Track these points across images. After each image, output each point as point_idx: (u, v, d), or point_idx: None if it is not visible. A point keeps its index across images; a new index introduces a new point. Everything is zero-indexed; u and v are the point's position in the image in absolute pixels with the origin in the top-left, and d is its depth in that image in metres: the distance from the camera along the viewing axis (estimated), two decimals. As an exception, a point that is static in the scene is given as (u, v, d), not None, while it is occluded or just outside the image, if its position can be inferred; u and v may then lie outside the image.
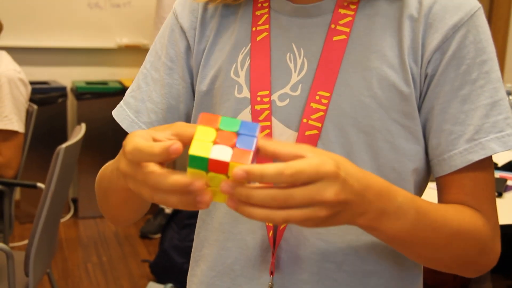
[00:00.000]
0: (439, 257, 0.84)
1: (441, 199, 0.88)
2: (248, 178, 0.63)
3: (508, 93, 2.79)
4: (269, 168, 0.63)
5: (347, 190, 0.68)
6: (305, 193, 0.65)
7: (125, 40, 4.23)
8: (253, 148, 0.65)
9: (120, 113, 0.98)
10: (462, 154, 0.84)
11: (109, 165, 0.92)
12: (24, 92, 2.68)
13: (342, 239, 0.87)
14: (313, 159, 0.65)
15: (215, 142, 0.65)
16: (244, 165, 0.63)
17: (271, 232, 0.87)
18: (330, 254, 0.87)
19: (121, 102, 0.99)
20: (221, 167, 0.64)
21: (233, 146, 0.65)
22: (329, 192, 0.66)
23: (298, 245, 0.87)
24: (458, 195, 0.85)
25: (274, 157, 0.67)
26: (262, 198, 0.64)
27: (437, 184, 0.89)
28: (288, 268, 0.87)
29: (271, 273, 0.88)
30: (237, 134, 0.66)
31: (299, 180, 0.64)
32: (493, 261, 0.87)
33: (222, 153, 0.64)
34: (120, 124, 0.97)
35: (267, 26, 0.91)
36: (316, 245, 0.87)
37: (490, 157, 0.85)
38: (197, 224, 0.98)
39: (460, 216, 0.83)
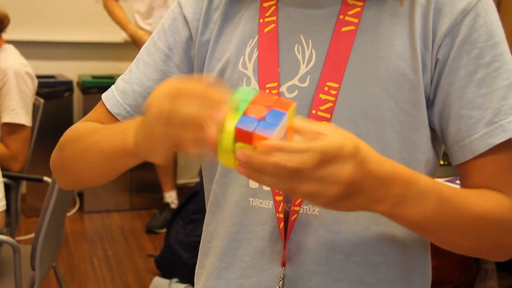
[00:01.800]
0: (466, 242, 0.83)
1: (464, 185, 0.88)
2: (250, 162, 0.65)
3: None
4: (290, 145, 0.65)
5: (364, 171, 0.68)
6: (321, 164, 0.66)
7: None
8: (279, 124, 0.66)
9: (107, 94, 0.98)
10: (482, 138, 0.83)
11: (92, 125, 0.92)
12: (31, 86, 2.68)
13: (351, 230, 0.87)
14: (334, 138, 0.66)
15: (245, 113, 0.67)
16: (267, 140, 0.65)
17: (282, 224, 0.87)
18: (339, 245, 0.87)
19: (113, 85, 0.99)
20: (246, 136, 0.66)
21: (262, 119, 0.67)
22: (345, 169, 0.66)
23: (307, 236, 0.87)
24: (481, 179, 0.85)
25: (297, 133, 0.68)
26: (275, 167, 0.65)
27: (458, 172, 0.88)
28: (297, 260, 0.87)
29: (283, 264, 0.88)
30: (270, 108, 0.68)
31: (325, 156, 0.65)
32: None
33: (248, 123, 0.66)
34: (106, 104, 0.97)
35: (274, 18, 0.91)
36: (324, 236, 0.87)
37: (510, 139, 0.85)
38: (206, 216, 0.97)
39: (484, 199, 0.83)
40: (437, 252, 3.11)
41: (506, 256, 0.87)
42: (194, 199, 3.21)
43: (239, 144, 0.66)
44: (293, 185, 0.66)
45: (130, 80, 0.97)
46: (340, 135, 0.67)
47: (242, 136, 0.66)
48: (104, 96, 0.98)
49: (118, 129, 0.83)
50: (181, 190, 4.22)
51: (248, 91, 0.69)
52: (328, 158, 0.66)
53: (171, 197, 4.00)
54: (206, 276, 0.96)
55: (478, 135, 0.83)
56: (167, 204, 3.97)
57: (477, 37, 0.84)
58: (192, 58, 0.96)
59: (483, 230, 0.82)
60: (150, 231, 3.86)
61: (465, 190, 0.84)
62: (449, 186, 0.81)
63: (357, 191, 0.69)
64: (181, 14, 0.96)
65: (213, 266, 0.94)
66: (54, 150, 0.96)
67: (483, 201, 0.82)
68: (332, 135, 0.67)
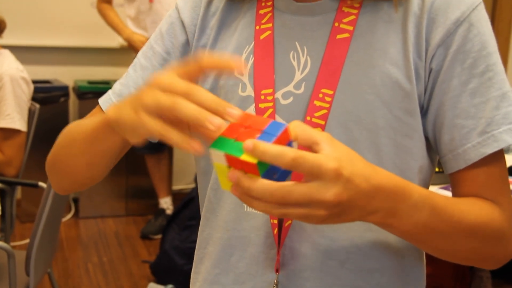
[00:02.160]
0: (458, 250, 0.84)
1: (455, 194, 0.88)
2: (254, 151, 0.64)
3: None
4: (273, 146, 0.64)
5: (351, 190, 0.67)
6: (305, 191, 0.65)
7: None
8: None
9: (104, 97, 0.98)
10: (475, 148, 0.84)
11: (84, 122, 0.92)
12: (27, 91, 2.67)
13: (345, 236, 0.87)
14: (318, 155, 0.66)
15: (237, 139, 0.66)
16: (253, 140, 0.64)
17: (276, 230, 0.87)
18: (333, 252, 0.87)
19: (110, 90, 0.99)
20: (236, 162, 0.65)
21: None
22: (330, 192, 0.66)
23: (301, 243, 0.87)
24: (473, 188, 0.86)
25: (293, 138, 0.68)
26: (261, 192, 0.65)
27: (450, 180, 0.89)
28: (291, 266, 0.88)
29: (277, 270, 0.88)
30: (262, 132, 0.67)
31: (299, 166, 0.64)
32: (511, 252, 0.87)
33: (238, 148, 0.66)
34: (102, 107, 0.97)
35: (270, 25, 0.91)
36: (319, 243, 0.87)
37: (502, 150, 0.86)
38: (201, 222, 0.98)
39: (477, 209, 0.83)
40: (432, 259, 3.10)
41: (495, 265, 0.88)
42: (189, 205, 3.21)
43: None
44: (282, 210, 0.66)
45: (127, 83, 0.97)
46: (329, 151, 0.67)
47: (232, 162, 0.66)
48: (101, 100, 0.98)
49: (102, 118, 0.83)
50: (177, 196, 4.22)
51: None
52: (311, 170, 0.65)
53: (166, 203, 3.99)
54: (201, 281, 0.96)
55: (471, 145, 0.84)
56: (163, 210, 3.97)
57: (471, 47, 0.84)
58: None
59: (475, 240, 0.83)
60: (145, 237, 3.85)
61: (458, 200, 0.85)
62: (443, 196, 0.81)
63: (348, 209, 0.69)
64: (179, 19, 0.97)
65: (208, 272, 0.94)
66: (48, 155, 0.96)
67: (476, 211, 0.83)
68: (323, 148, 0.67)
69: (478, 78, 0.84)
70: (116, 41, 4.14)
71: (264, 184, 0.65)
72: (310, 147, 0.67)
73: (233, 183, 0.66)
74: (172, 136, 0.67)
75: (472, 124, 0.84)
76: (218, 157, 0.67)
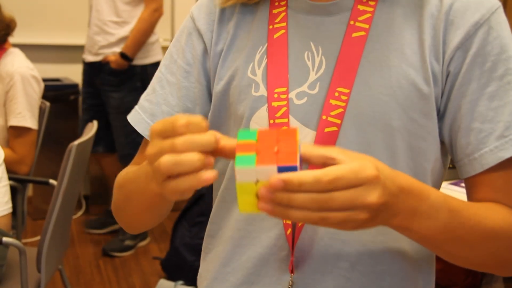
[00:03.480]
0: (473, 256, 0.83)
1: (471, 199, 0.87)
2: (286, 187, 0.63)
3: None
4: (307, 175, 0.63)
5: (387, 192, 0.68)
6: (347, 196, 0.65)
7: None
8: (296, 147, 0.65)
9: (135, 117, 0.98)
10: (493, 152, 0.83)
11: (133, 170, 0.92)
12: (37, 89, 2.69)
13: (357, 238, 0.86)
14: (352, 164, 0.65)
15: (257, 152, 0.65)
16: (282, 174, 0.63)
17: (289, 230, 0.87)
18: (344, 254, 0.87)
19: (136, 106, 0.99)
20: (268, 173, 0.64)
21: (277, 152, 0.65)
22: (372, 196, 0.66)
23: (312, 244, 0.87)
24: (489, 193, 0.85)
25: (304, 160, 0.67)
26: (303, 201, 0.64)
27: (466, 185, 0.88)
28: (302, 268, 0.87)
29: (292, 271, 0.88)
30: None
31: (338, 186, 0.64)
32: None
33: (268, 159, 0.64)
34: (136, 127, 0.97)
35: (284, 24, 0.91)
36: (330, 245, 0.86)
37: None
38: (212, 220, 0.97)
39: (494, 214, 0.82)
40: (442, 255, 3.09)
41: (511, 271, 0.87)
42: (199, 202, 3.21)
43: (260, 183, 0.65)
44: (323, 214, 0.65)
45: (157, 101, 0.96)
46: (357, 160, 0.66)
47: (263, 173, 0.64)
48: (132, 119, 0.97)
49: (142, 172, 0.83)
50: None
51: (248, 132, 0.68)
52: (350, 184, 0.65)
53: None
54: (210, 279, 0.96)
55: (489, 149, 0.83)
56: None
57: (490, 50, 0.83)
58: (208, 70, 0.96)
59: (491, 245, 0.82)
60: (106, 254, 3.58)
61: (474, 204, 0.84)
62: (458, 200, 0.81)
63: (382, 212, 0.69)
64: (195, 28, 0.96)
65: (218, 271, 0.94)
66: (112, 203, 0.98)
67: (492, 215, 0.82)
68: (344, 159, 0.66)
69: (497, 82, 0.83)
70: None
71: (305, 193, 0.64)
72: (325, 164, 0.67)
73: (265, 198, 0.64)
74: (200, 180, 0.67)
75: (490, 128, 0.83)
76: (244, 174, 0.65)
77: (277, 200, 0.64)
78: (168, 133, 0.67)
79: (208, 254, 0.98)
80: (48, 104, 2.81)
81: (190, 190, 0.67)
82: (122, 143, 3.57)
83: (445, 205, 0.77)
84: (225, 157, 0.69)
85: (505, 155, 0.82)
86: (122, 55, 3.45)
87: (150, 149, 0.69)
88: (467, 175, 0.86)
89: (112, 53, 3.48)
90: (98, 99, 3.60)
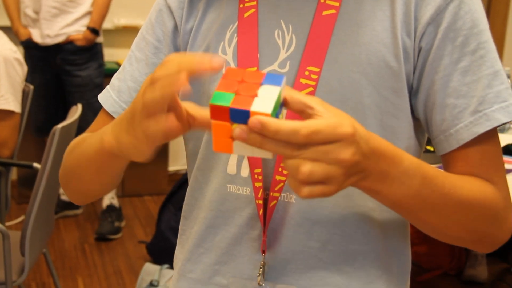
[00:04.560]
0: (448, 226, 0.83)
1: None
2: (263, 130, 0.63)
3: (508, 76, 2.78)
4: (286, 125, 0.63)
5: (360, 152, 0.67)
6: (321, 150, 0.64)
7: (122, 21, 4.19)
8: (276, 96, 0.64)
9: (104, 95, 0.98)
10: (468, 127, 0.83)
11: (86, 134, 0.92)
12: (20, 72, 2.66)
13: (328, 218, 0.86)
14: (330, 119, 0.65)
15: (236, 93, 0.65)
16: (262, 116, 0.63)
17: (261, 210, 0.87)
18: (315, 233, 0.87)
19: (108, 85, 0.99)
20: (243, 116, 0.64)
21: (255, 96, 0.65)
22: (346, 153, 0.65)
23: (284, 224, 0.87)
24: (466, 169, 0.84)
25: (284, 104, 0.67)
26: (275, 147, 0.64)
27: (443, 161, 0.88)
28: (273, 247, 0.88)
29: (263, 251, 0.88)
30: (261, 84, 0.66)
31: (314, 140, 0.64)
32: (507, 232, 0.86)
33: (243, 102, 0.64)
34: (103, 105, 0.97)
35: (254, 3, 0.90)
36: (301, 224, 0.87)
37: (495, 128, 0.84)
38: (188, 202, 0.97)
39: (469, 184, 0.82)
40: (427, 239, 3.12)
41: (491, 246, 0.87)
42: (185, 186, 3.21)
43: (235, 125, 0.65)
44: (308, 164, 0.64)
45: (124, 77, 0.97)
46: (336, 117, 0.66)
47: (238, 115, 0.64)
48: (101, 97, 0.98)
49: (98, 132, 0.83)
50: (173, 177, 4.22)
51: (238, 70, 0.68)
52: (327, 139, 0.64)
53: (107, 195, 3.72)
54: (183, 260, 0.96)
55: (463, 124, 0.83)
56: (111, 207, 3.69)
57: (462, 24, 0.83)
58: (178, 47, 0.96)
59: (466, 215, 0.82)
60: (102, 238, 3.55)
61: (450, 174, 0.84)
62: (434, 168, 0.80)
63: (355, 171, 0.68)
64: (166, 5, 0.96)
65: (191, 251, 0.95)
66: (59, 171, 0.97)
67: (467, 186, 0.82)
68: (324, 114, 0.66)
69: (470, 56, 0.83)
70: (111, 22, 4.12)
71: (291, 122, 0.63)
72: (302, 111, 0.66)
73: (239, 138, 0.64)
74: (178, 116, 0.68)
75: (464, 103, 0.83)
76: (220, 111, 0.64)
77: (250, 142, 0.64)
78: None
79: (182, 235, 0.98)
80: (31, 87, 2.78)
81: (163, 100, 0.67)
82: (90, 120, 3.55)
83: (418, 171, 0.77)
84: (201, 127, 0.70)
85: (480, 130, 0.82)
86: (91, 29, 3.48)
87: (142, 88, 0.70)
88: (444, 151, 0.86)
89: (75, 31, 3.48)
90: (52, 83, 3.58)
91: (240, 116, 0.64)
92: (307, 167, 0.64)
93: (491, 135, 0.85)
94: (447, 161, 0.87)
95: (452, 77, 0.83)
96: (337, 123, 0.65)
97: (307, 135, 0.63)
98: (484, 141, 0.84)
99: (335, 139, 0.65)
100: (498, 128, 0.85)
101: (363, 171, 0.70)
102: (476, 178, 0.84)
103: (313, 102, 0.66)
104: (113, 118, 0.96)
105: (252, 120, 0.63)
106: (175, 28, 0.95)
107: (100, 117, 0.99)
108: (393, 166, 0.74)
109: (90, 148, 0.85)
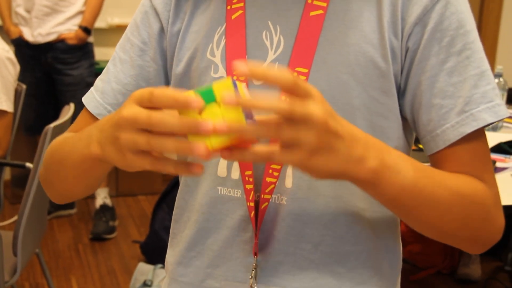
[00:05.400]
0: (444, 222, 0.82)
1: None
2: (253, 75, 0.65)
3: (499, 75, 2.78)
4: (273, 68, 0.65)
5: (335, 120, 0.68)
6: (292, 102, 0.65)
7: (116, 20, 4.19)
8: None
9: (88, 96, 0.97)
10: (454, 128, 0.83)
11: (70, 135, 0.91)
12: (13, 72, 2.65)
13: (319, 219, 0.86)
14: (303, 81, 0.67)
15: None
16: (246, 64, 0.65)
17: (253, 213, 0.87)
18: (306, 235, 0.86)
19: (92, 87, 0.98)
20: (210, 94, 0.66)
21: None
22: (317, 108, 0.66)
23: (275, 226, 0.87)
24: (455, 168, 0.84)
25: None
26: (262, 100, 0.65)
27: (431, 162, 0.88)
28: (265, 249, 0.87)
29: (255, 254, 0.87)
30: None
31: (298, 86, 0.66)
32: (498, 231, 0.86)
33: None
34: (87, 106, 0.96)
35: (242, 4, 0.90)
36: (292, 226, 0.86)
37: (482, 129, 0.85)
38: (177, 205, 0.97)
39: (459, 180, 0.82)
40: (421, 237, 3.13)
41: (483, 246, 0.87)
42: (178, 185, 3.21)
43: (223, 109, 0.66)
44: (277, 130, 0.65)
45: (108, 79, 0.96)
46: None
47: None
48: (85, 98, 0.97)
49: (84, 135, 0.81)
50: (167, 177, 4.21)
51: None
52: (304, 91, 0.66)
53: (101, 195, 3.69)
54: (174, 264, 0.95)
55: (450, 125, 0.83)
56: (105, 206, 3.67)
57: (448, 25, 0.83)
58: (165, 50, 0.95)
59: (460, 210, 0.81)
60: (98, 238, 3.53)
61: (439, 170, 0.84)
62: (421, 163, 0.80)
63: (335, 143, 0.68)
64: (152, 7, 0.95)
65: (182, 255, 0.94)
66: (40, 170, 0.96)
67: (459, 181, 0.82)
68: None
69: (456, 57, 0.83)
70: (104, 21, 4.11)
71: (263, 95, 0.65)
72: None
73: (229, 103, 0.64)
74: (166, 167, 0.69)
75: (450, 103, 0.83)
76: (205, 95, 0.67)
77: (242, 102, 0.65)
78: (145, 103, 0.68)
79: (174, 239, 0.97)
80: (24, 86, 2.77)
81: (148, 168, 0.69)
82: None
83: (409, 162, 0.77)
84: None
85: (466, 130, 0.83)
86: (84, 28, 3.48)
87: (126, 111, 0.69)
88: (431, 151, 0.86)
89: (67, 30, 3.48)
90: (42, 82, 3.56)
91: (208, 95, 0.66)
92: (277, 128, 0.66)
93: (478, 134, 0.85)
94: (436, 161, 0.87)
95: (439, 78, 0.83)
96: (308, 84, 0.68)
97: (293, 76, 0.65)
98: (472, 141, 0.84)
99: (305, 93, 0.66)
100: (490, 126, 0.85)
101: (350, 148, 0.70)
102: (466, 175, 0.84)
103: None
104: (96, 119, 0.95)
105: (236, 64, 0.65)
106: (161, 30, 0.95)
107: (82, 116, 0.98)
108: (386, 152, 0.74)
109: (75, 152, 0.83)
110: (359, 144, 0.70)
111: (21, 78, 3.32)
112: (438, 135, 0.84)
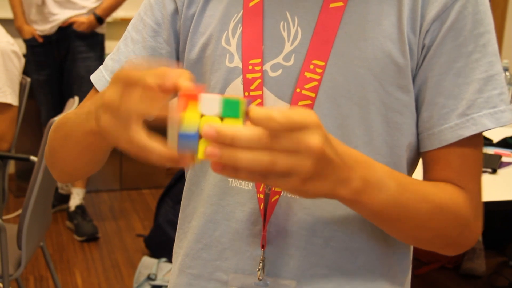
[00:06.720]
0: (422, 232, 0.83)
1: (426, 176, 0.87)
2: (218, 138, 0.62)
3: (505, 69, 2.77)
4: (261, 110, 0.62)
5: (330, 146, 0.67)
6: (292, 137, 0.63)
7: (121, 13, 4.18)
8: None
9: (97, 75, 0.96)
10: (453, 129, 0.82)
11: (73, 111, 0.91)
12: (18, 65, 2.65)
13: (331, 215, 0.86)
14: (296, 109, 0.65)
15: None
16: (215, 124, 0.62)
17: (262, 205, 0.86)
18: (318, 230, 0.86)
19: (101, 65, 0.97)
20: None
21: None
22: (315, 138, 0.64)
23: (287, 220, 0.86)
24: (444, 172, 0.84)
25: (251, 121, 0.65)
26: (248, 137, 0.62)
27: (423, 160, 0.87)
28: (276, 243, 0.86)
29: (263, 246, 0.87)
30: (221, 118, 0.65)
31: (289, 125, 0.63)
32: (473, 240, 0.86)
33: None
34: (95, 85, 0.95)
35: None
36: (304, 220, 0.86)
37: (480, 134, 0.84)
38: (185, 196, 0.96)
39: (441, 192, 0.82)
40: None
41: (456, 251, 0.87)
42: (183, 179, 3.20)
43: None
44: (271, 157, 0.63)
45: (119, 59, 0.94)
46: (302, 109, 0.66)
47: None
48: (94, 77, 0.96)
49: (85, 111, 0.81)
50: (171, 170, 4.22)
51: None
52: (296, 125, 0.64)
53: (79, 195, 3.64)
54: (183, 256, 0.94)
55: (449, 125, 0.82)
56: (82, 207, 3.62)
57: (464, 25, 0.82)
58: (178, 32, 0.93)
59: (438, 223, 0.82)
60: (93, 238, 3.50)
61: (421, 181, 0.84)
62: (405, 175, 0.81)
63: (326, 168, 0.67)
64: None
65: (190, 247, 0.93)
66: (45, 149, 0.95)
67: (438, 192, 0.82)
68: (299, 112, 0.65)
69: (465, 58, 0.82)
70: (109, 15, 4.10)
71: (248, 128, 0.62)
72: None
73: (211, 138, 0.62)
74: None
75: (453, 104, 0.82)
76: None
77: (221, 136, 0.62)
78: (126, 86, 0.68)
79: (180, 229, 0.97)
80: (28, 79, 2.77)
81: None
82: None
83: (392, 177, 0.77)
84: None
85: (465, 133, 0.82)
86: (97, 17, 3.48)
87: (109, 94, 0.69)
88: (425, 149, 0.85)
89: (78, 15, 3.48)
90: (57, 78, 3.57)
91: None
92: (270, 157, 0.63)
93: (475, 140, 0.84)
94: (427, 160, 0.86)
95: (446, 77, 0.83)
96: (304, 111, 0.65)
97: (282, 117, 0.62)
98: (467, 146, 0.83)
99: (303, 125, 0.64)
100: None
101: (338, 173, 0.69)
102: (448, 185, 0.83)
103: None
104: None
105: (206, 127, 0.62)
106: (175, 11, 0.92)
107: (90, 96, 0.97)
108: (370, 171, 0.74)
109: (77, 128, 0.83)
110: (346, 166, 0.70)
111: (36, 77, 3.34)
112: (435, 134, 0.83)
